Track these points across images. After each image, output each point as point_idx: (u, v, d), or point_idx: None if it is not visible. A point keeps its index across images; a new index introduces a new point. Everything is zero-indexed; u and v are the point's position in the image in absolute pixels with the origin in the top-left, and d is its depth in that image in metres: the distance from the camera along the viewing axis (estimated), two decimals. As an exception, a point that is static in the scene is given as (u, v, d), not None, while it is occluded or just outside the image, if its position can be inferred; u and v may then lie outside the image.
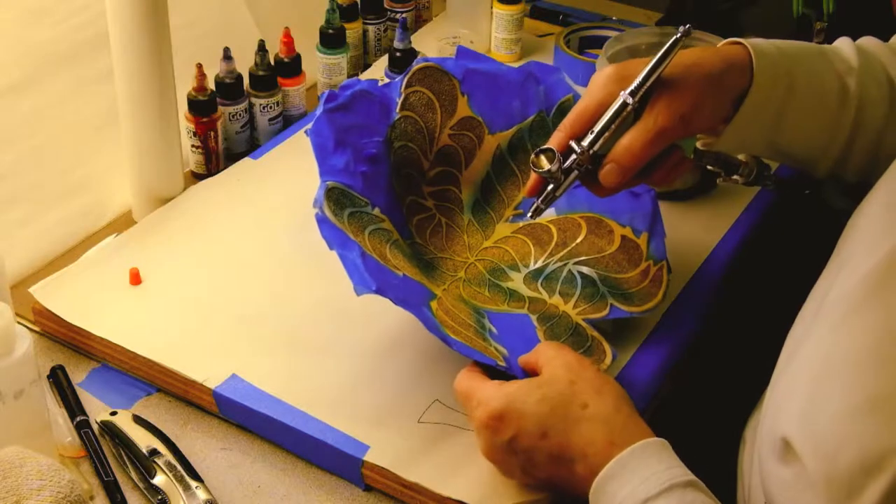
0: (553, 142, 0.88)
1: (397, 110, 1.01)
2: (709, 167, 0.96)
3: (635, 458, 0.77)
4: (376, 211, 0.95)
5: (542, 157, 0.87)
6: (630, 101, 0.86)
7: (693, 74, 0.88)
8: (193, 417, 0.92)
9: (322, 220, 0.90)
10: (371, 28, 1.37)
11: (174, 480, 0.84)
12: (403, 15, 1.39)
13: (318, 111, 0.97)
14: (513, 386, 0.81)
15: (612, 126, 0.87)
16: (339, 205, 0.92)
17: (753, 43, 0.91)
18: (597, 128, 0.87)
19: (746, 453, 0.87)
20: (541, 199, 0.88)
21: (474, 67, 1.05)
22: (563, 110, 1.06)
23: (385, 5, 1.39)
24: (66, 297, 0.98)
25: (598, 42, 1.40)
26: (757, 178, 0.98)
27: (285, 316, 0.98)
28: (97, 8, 1.06)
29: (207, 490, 0.84)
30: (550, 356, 0.84)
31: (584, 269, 0.99)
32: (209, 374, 0.91)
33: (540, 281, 0.99)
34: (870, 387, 0.68)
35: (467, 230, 1.02)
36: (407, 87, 1.02)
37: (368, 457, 0.85)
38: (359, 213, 0.93)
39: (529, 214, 0.89)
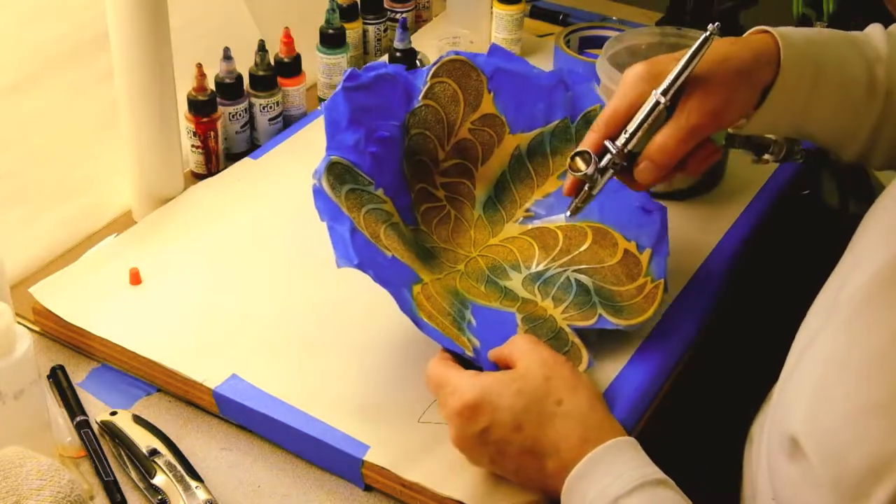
0: (587, 142, 0.89)
1: (420, 98, 1.01)
2: (741, 150, 0.96)
3: (608, 455, 0.78)
4: (380, 192, 0.95)
5: (579, 160, 0.88)
6: (662, 99, 0.86)
7: (723, 70, 0.87)
8: (193, 417, 0.92)
9: (318, 192, 0.90)
10: (371, 28, 1.37)
11: (174, 480, 0.84)
12: (403, 15, 1.39)
13: (338, 87, 0.97)
14: (488, 378, 0.82)
15: (646, 125, 0.87)
16: (340, 180, 0.92)
17: (781, 32, 0.91)
18: (630, 127, 0.87)
19: (753, 451, 0.87)
20: (578, 198, 0.90)
21: (505, 67, 1.05)
22: (588, 120, 1.06)
23: (385, 5, 1.39)
24: (66, 297, 0.98)
25: (598, 42, 1.39)
26: (787, 154, 0.98)
27: (285, 316, 0.98)
28: (97, 8, 1.06)
29: (207, 490, 0.84)
30: (525, 350, 0.84)
31: (582, 278, 0.99)
32: (209, 374, 0.91)
33: (538, 284, 0.99)
34: (878, 389, 0.68)
35: (475, 225, 1.03)
36: (433, 76, 1.02)
37: (368, 457, 0.85)
38: (359, 190, 0.93)
39: (568, 213, 0.90)
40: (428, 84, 1.02)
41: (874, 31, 0.96)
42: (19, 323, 0.84)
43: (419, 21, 1.47)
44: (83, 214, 1.11)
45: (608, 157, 0.88)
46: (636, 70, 0.89)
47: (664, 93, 0.86)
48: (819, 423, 0.70)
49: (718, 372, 1.11)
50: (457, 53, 1.04)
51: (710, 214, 1.13)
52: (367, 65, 1.00)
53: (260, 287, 1.01)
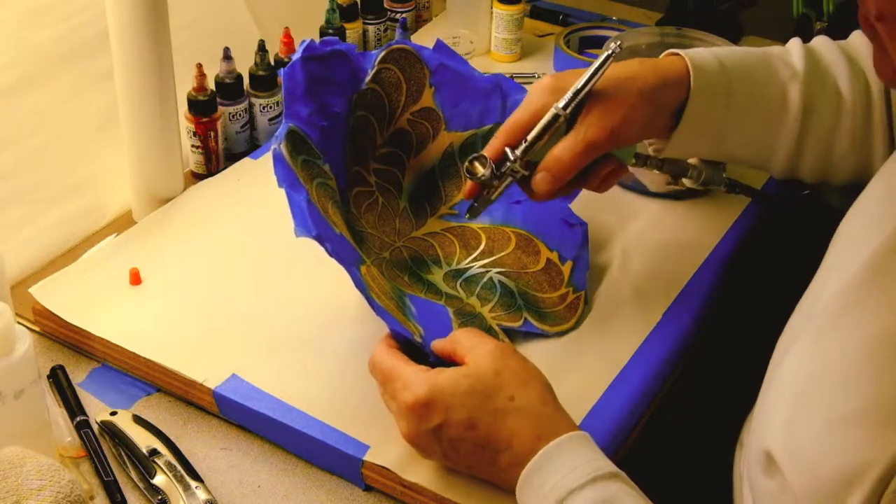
0: (489, 149, 0.91)
1: (367, 81, 1.01)
2: (656, 171, 0.99)
3: (561, 450, 0.78)
4: (326, 167, 0.95)
5: (477, 164, 0.90)
6: (562, 113, 0.88)
7: (626, 88, 0.90)
8: (193, 417, 0.92)
9: (278, 158, 0.90)
10: (371, 28, 1.37)
11: (174, 480, 0.84)
12: (403, 15, 1.39)
13: (296, 56, 0.97)
14: (440, 375, 0.82)
15: (545, 136, 0.89)
16: (297, 149, 0.92)
17: (693, 56, 0.93)
18: (529, 137, 0.89)
19: (743, 457, 0.88)
20: (477, 202, 0.92)
21: (448, 64, 1.06)
22: None
23: (385, 5, 1.39)
24: (66, 297, 0.98)
25: (598, 42, 1.40)
26: (708, 180, 1.00)
27: (285, 316, 0.98)
28: (97, 8, 1.06)
29: (207, 490, 0.84)
30: (471, 345, 0.84)
31: (505, 280, 1.00)
32: (209, 374, 0.91)
33: (459, 281, 1.00)
34: (850, 401, 0.68)
35: (400, 216, 1.03)
36: (381, 61, 1.02)
37: (368, 457, 0.85)
38: (311, 162, 0.93)
39: (467, 215, 0.93)
40: (376, 68, 1.02)
41: (793, 46, 0.98)
42: (19, 323, 0.84)
43: (419, 21, 1.47)
44: (83, 214, 1.11)
45: (507, 163, 0.90)
46: (542, 82, 0.92)
47: (564, 106, 0.88)
48: (792, 436, 0.70)
49: (717, 374, 1.11)
50: (404, 43, 1.04)
51: (710, 214, 1.13)
52: (323, 39, 1.00)
53: (260, 287, 1.01)
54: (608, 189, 0.95)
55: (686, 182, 1.02)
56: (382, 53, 1.02)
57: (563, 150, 0.89)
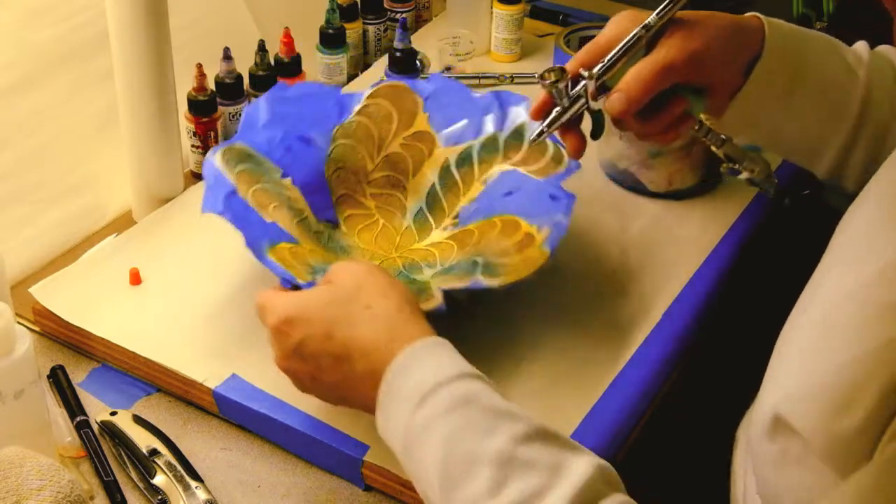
0: (566, 67, 0.91)
1: (353, 114, 1.04)
2: (713, 148, 0.96)
3: (419, 353, 0.77)
4: (287, 181, 0.98)
5: (551, 73, 0.90)
6: (643, 34, 0.89)
7: (707, 22, 0.91)
8: (193, 417, 0.92)
9: (207, 163, 0.96)
10: (371, 28, 1.37)
11: (174, 480, 0.84)
12: (403, 15, 1.39)
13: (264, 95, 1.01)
14: (303, 293, 0.83)
15: (624, 57, 0.89)
16: (238, 160, 0.96)
17: (769, 18, 0.94)
18: (608, 56, 0.90)
19: (740, 454, 0.88)
20: (546, 123, 0.91)
21: (443, 89, 1.07)
22: (518, 131, 1.05)
23: (385, 5, 1.39)
24: (66, 297, 0.98)
25: (598, 42, 1.39)
26: (760, 177, 0.98)
27: (285, 316, 0.98)
28: (97, 8, 1.06)
29: (207, 490, 0.84)
30: (340, 266, 0.85)
31: (478, 259, 0.96)
32: (209, 374, 0.91)
33: (443, 274, 0.98)
34: (865, 341, 0.69)
35: (403, 233, 1.04)
36: (370, 97, 1.05)
37: (368, 457, 0.85)
38: (258, 171, 0.97)
39: (532, 137, 0.92)
40: (363, 103, 1.04)
41: (859, 44, 0.99)
42: (19, 323, 0.84)
43: (419, 21, 1.47)
44: (83, 214, 1.11)
45: (582, 83, 0.90)
46: (625, 11, 0.93)
47: (647, 28, 0.89)
48: (804, 390, 0.70)
49: (717, 374, 1.11)
50: (399, 79, 1.07)
51: (710, 214, 1.13)
52: (296, 84, 1.04)
53: (260, 287, 1.01)
54: (674, 140, 0.95)
55: (740, 170, 0.98)
56: (373, 90, 1.05)
57: (641, 67, 0.88)
